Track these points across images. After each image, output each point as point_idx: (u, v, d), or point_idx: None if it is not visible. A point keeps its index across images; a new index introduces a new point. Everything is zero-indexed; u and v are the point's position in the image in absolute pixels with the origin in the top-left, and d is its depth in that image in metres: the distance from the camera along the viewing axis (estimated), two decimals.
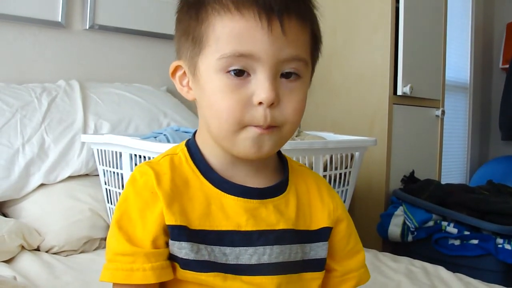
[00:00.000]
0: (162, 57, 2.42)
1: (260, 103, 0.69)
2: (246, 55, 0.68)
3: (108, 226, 1.68)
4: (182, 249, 0.71)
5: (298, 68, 0.72)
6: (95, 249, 1.65)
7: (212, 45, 0.70)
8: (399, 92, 2.46)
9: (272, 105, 0.69)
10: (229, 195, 0.75)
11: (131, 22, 2.34)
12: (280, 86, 0.71)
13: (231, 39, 0.68)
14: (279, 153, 0.84)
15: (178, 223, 0.71)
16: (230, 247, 0.73)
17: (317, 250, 0.81)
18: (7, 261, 1.44)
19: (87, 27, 2.20)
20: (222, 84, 0.69)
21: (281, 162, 0.84)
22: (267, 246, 0.75)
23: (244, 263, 0.74)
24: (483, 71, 4.16)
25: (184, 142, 0.81)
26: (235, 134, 0.71)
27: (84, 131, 1.86)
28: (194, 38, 0.72)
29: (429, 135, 2.75)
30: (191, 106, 2.30)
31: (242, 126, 0.70)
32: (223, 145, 0.74)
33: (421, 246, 2.22)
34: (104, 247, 1.66)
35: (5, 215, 1.69)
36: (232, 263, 0.74)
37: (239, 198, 0.75)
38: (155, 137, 1.69)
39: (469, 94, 4.02)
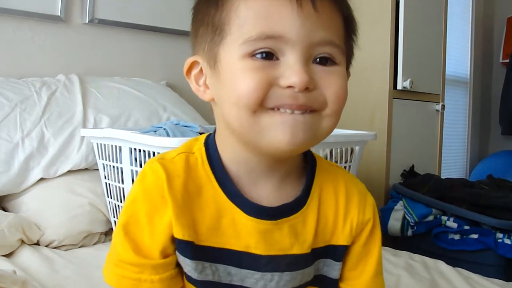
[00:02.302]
0: (162, 51, 2.42)
1: (290, 87, 0.60)
2: (275, 36, 0.60)
3: (107, 220, 1.68)
4: (186, 265, 0.68)
5: (333, 54, 0.64)
6: (95, 243, 1.65)
7: (235, 32, 0.62)
8: (399, 87, 2.45)
9: (306, 90, 0.61)
10: (242, 212, 0.68)
11: (131, 16, 2.33)
12: (315, 71, 0.62)
13: (257, 21, 0.61)
14: (305, 153, 0.75)
15: (186, 238, 0.66)
16: (236, 268, 0.69)
17: (329, 268, 0.74)
18: (7, 255, 1.44)
19: (87, 21, 2.20)
20: (245, 67, 0.61)
21: (306, 164, 0.74)
22: (276, 273, 0.69)
23: (249, 286, 0.69)
24: (483, 65, 4.16)
25: (203, 138, 0.73)
26: (257, 121, 0.61)
27: (84, 125, 1.85)
28: (214, 27, 0.65)
29: (429, 130, 2.75)
30: (191, 100, 2.30)
31: (264, 108, 0.61)
32: (249, 141, 0.64)
33: (421, 241, 2.22)
34: (104, 241, 1.67)
35: (4, 210, 1.69)
36: (237, 284, 0.69)
37: (252, 218, 0.68)
38: (155, 131, 1.68)
39: (469, 88, 4.02)
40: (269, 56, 0.61)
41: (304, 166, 0.74)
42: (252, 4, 0.61)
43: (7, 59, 2.02)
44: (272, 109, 0.61)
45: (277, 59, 0.62)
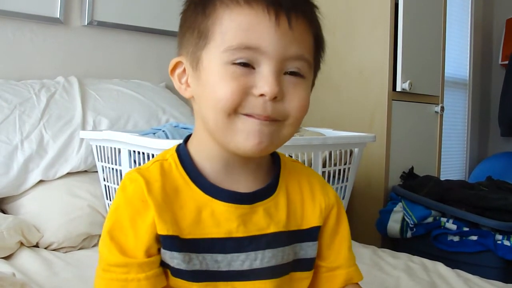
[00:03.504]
0: (161, 53, 2.42)
1: (262, 95, 0.68)
2: (253, 47, 0.68)
3: None
4: (174, 258, 0.72)
5: (302, 69, 0.72)
6: (94, 246, 1.65)
7: (217, 38, 0.70)
8: (398, 88, 2.45)
9: (275, 99, 0.68)
10: (220, 201, 0.74)
11: (130, 18, 2.34)
12: (284, 83, 0.70)
13: (238, 32, 0.68)
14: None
15: (170, 233, 0.71)
16: (222, 254, 0.74)
17: (307, 250, 0.81)
18: (6, 258, 1.44)
19: (86, 23, 2.20)
20: (225, 73, 0.69)
21: (273, 160, 0.83)
22: (259, 251, 0.75)
23: (236, 269, 0.74)
24: (483, 67, 4.16)
25: (175, 147, 0.80)
26: (230, 124, 0.69)
27: (83, 128, 1.86)
28: (200, 32, 0.72)
29: (428, 131, 2.75)
30: (189, 102, 2.30)
31: (236, 112, 0.68)
32: (221, 140, 0.72)
33: (420, 242, 2.22)
34: None
35: (4, 212, 1.69)
36: (225, 269, 0.74)
37: (230, 204, 0.74)
38: (154, 133, 1.69)
39: (468, 90, 4.02)
40: (246, 65, 0.69)
41: (272, 160, 0.83)
42: (236, 17, 0.69)
43: (6, 61, 2.02)
44: (245, 115, 0.69)
45: (253, 68, 0.69)
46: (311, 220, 0.81)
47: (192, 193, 0.74)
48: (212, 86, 0.70)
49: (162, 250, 0.72)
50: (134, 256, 0.70)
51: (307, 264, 0.82)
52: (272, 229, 0.76)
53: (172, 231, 0.71)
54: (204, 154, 0.77)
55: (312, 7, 0.76)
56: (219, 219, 0.74)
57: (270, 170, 0.82)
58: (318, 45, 0.76)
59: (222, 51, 0.69)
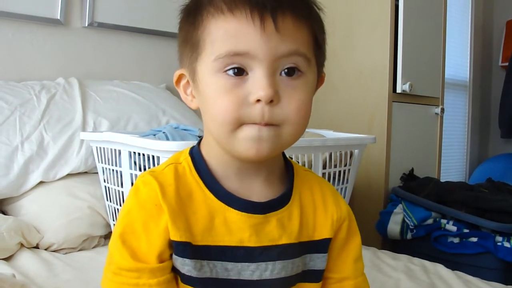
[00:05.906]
0: (161, 54, 2.42)
1: (258, 100, 0.66)
2: (242, 53, 0.67)
3: (107, 224, 1.68)
4: (185, 265, 0.71)
5: (298, 64, 0.69)
6: (94, 247, 1.65)
7: (208, 48, 0.69)
8: (398, 90, 2.45)
9: (271, 102, 0.67)
10: (233, 209, 0.73)
11: (130, 19, 2.34)
12: (281, 83, 0.68)
13: (226, 40, 0.67)
14: (285, 158, 0.82)
15: (183, 239, 0.70)
16: (232, 263, 0.73)
17: (316, 261, 0.80)
18: (6, 259, 1.44)
19: (86, 25, 2.20)
20: (219, 85, 0.68)
21: (286, 168, 0.82)
22: (270, 262, 0.74)
23: (246, 278, 0.74)
24: (483, 69, 4.16)
25: (188, 150, 0.79)
26: (232, 134, 0.68)
27: (83, 129, 1.86)
28: (192, 44, 0.72)
29: (428, 133, 2.75)
30: None
31: (238, 124, 0.68)
32: (225, 147, 0.72)
33: (420, 244, 2.22)
34: (103, 245, 1.67)
35: (4, 213, 1.69)
36: (234, 278, 0.73)
37: (243, 213, 0.73)
38: (154, 135, 1.69)
39: (468, 92, 4.02)
40: (240, 71, 0.68)
41: (285, 168, 0.82)
42: (222, 24, 0.68)
43: (6, 62, 2.02)
44: (244, 124, 0.68)
45: (247, 74, 0.68)
46: (322, 231, 0.80)
47: (205, 199, 0.73)
48: (208, 99, 0.70)
49: (174, 256, 0.71)
50: (146, 261, 0.70)
51: (316, 276, 0.81)
52: (284, 241, 0.75)
53: (185, 237, 0.70)
54: (215, 160, 0.76)
55: (304, 1, 0.73)
56: (232, 228, 0.73)
57: (284, 178, 0.80)
58: (315, 38, 0.73)
59: (212, 60, 0.68)
